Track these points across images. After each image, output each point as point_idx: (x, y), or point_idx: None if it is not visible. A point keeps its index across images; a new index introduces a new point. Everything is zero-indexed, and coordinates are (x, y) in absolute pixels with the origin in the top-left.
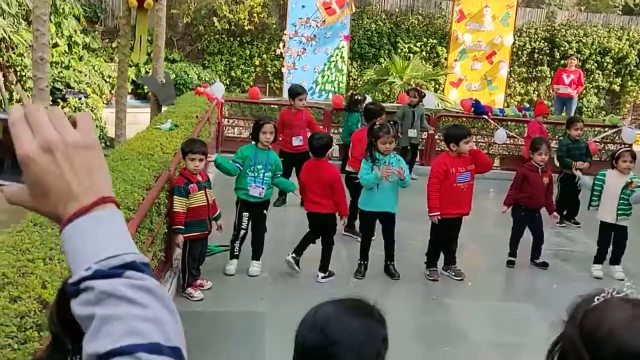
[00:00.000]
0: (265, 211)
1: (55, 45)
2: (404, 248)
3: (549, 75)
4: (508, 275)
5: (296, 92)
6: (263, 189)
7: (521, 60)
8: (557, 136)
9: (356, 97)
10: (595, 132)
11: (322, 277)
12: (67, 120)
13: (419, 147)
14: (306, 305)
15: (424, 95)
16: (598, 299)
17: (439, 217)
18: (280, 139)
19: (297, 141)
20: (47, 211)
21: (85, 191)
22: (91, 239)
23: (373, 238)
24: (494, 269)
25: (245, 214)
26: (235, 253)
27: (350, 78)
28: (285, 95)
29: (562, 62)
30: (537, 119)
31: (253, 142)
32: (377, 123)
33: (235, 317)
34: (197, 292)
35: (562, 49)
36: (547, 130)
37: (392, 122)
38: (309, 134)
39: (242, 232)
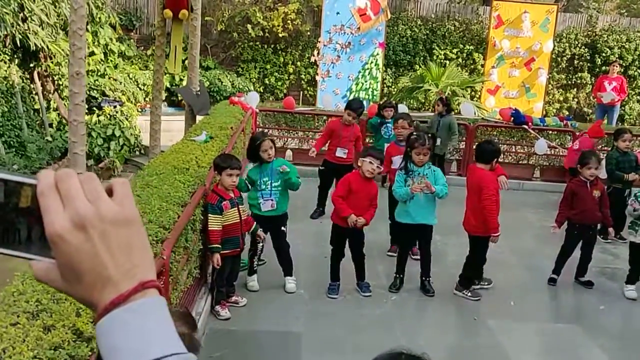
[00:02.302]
0: (283, 228)
1: (92, 54)
2: (439, 262)
3: (590, 82)
4: (552, 294)
5: (347, 105)
6: (273, 200)
7: (561, 66)
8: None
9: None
10: None
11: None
12: (103, 187)
13: (447, 158)
14: (344, 325)
15: (453, 104)
16: None
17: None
18: (326, 147)
19: (341, 153)
20: (80, 296)
21: (124, 275)
22: (131, 336)
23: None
24: (537, 287)
25: (260, 229)
26: (254, 269)
27: (385, 85)
28: (319, 104)
29: (604, 68)
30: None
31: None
32: (414, 133)
33: (270, 336)
34: (225, 311)
35: (604, 55)
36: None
37: (429, 135)
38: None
39: (259, 246)
